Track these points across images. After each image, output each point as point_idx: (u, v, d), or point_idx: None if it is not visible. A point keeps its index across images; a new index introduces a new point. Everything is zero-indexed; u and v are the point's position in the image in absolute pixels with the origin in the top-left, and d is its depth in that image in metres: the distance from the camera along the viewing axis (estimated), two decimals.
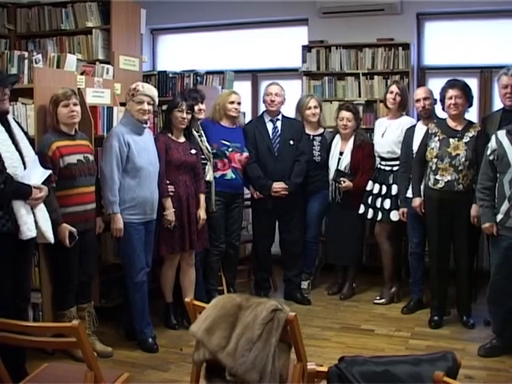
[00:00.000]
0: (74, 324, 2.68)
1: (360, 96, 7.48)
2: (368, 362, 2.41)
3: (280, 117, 6.23)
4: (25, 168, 4.10)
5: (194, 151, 5.45)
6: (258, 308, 2.67)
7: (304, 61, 7.70)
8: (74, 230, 4.59)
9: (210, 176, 5.66)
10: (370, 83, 7.45)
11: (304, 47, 7.74)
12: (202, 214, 5.44)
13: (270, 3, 7.92)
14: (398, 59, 7.34)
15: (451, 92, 5.35)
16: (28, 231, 4.03)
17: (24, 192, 4.03)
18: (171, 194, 5.25)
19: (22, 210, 4.01)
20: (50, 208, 4.32)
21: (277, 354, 2.63)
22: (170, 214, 5.21)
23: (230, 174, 5.85)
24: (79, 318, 4.75)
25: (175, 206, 5.25)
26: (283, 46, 8.23)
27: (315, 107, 6.40)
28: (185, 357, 4.88)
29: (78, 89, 5.04)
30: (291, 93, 6.77)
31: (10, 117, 4.23)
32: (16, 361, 3.98)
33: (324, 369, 2.43)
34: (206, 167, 5.65)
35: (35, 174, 4.15)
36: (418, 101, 5.88)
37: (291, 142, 6.14)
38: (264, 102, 6.24)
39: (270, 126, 6.17)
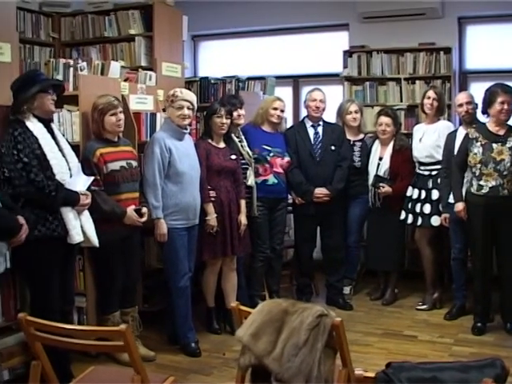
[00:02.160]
0: (121, 328, 2.72)
1: (401, 101, 7.46)
2: (416, 368, 2.40)
3: (321, 122, 6.22)
4: (70, 175, 4.21)
5: (233, 156, 5.47)
6: (305, 313, 2.68)
7: (345, 66, 7.72)
8: (140, 207, 4.81)
9: (251, 181, 5.67)
10: (412, 88, 7.43)
11: (345, 52, 7.77)
12: (242, 219, 5.46)
13: (311, 9, 7.94)
14: (439, 63, 7.31)
15: (504, 97, 5.24)
16: (77, 235, 4.18)
17: (73, 199, 4.18)
18: (213, 199, 5.28)
19: (70, 215, 4.16)
20: (107, 206, 4.52)
21: (322, 359, 2.62)
22: (213, 219, 5.23)
23: (271, 180, 5.85)
24: (123, 322, 4.80)
25: (217, 212, 5.27)
26: (324, 51, 8.24)
27: (356, 112, 6.39)
28: (227, 361, 4.91)
29: (122, 95, 5.10)
30: (332, 98, 6.76)
31: (53, 124, 4.35)
32: (61, 363, 4.06)
33: (371, 374, 2.43)
34: (247, 172, 5.66)
35: (80, 181, 4.28)
36: (460, 105, 5.82)
37: (332, 148, 6.12)
38: (307, 107, 6.23)
39: (311, 131, 6.17)
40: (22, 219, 3.77)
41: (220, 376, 4.71)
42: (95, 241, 4.36)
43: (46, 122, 4.25)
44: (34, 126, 4.14)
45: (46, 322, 2.94)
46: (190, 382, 4.60)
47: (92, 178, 4.42)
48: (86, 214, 4.32)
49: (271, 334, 2.68)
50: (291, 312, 2.72)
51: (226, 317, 5.58)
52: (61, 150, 4.25)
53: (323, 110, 6.18)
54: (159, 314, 5.54)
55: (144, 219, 4.81)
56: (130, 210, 4.72)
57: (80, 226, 4.23)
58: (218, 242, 5.30)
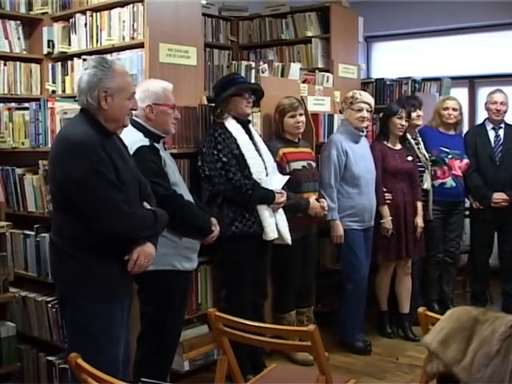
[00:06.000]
0: (309, 329, 2.75)
1: None
2: None
3: (503, 125, 6.02)
4: (267, 174, 4.33)
5: (410, 158, 5.40)
6: (496, 322, 2.60)
7: None
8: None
9: (427, 184, 5.59)
10: None
11: None
12: (419, 222, 5.38)
13: (487, 7, 7.69)
14: None
15: None
16: (271, 232, 4.31)
17: (268, 197, 4.30)
18: (388, 201, 5.25)
19: (265, 213, 4.29)
20: (292, 200, 4.56)
21: None
22: (388, 221, 5.19)
23: (449, 183, 5.74)
24: (298, 321, 4.89)
25: (392, 214, 5.23)
26: (502, 50, 7.95)
27: None
28: (401, 366, 4.87)
29: (301, 97, 5.17)
30: None
31: (250, 125, 4.49)
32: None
33: None
34: (424, 175, 5.58)
35: (276, 180, 4.40)
36: None
37: None
38: (487, 109, 6.04)
39: (491, 134, 5.98)
40: (214, 221, 3.91)
41: (393, 380, 4.66)
42: (288, 238, 4.45)
43: (244, 123, 4.42)
44: (233, 126, 4.33)
45: (235, 319, 3.02)
46: None
47: (287, 177, 4.52)
48: (281, 212, 4.44)
49: (461, 342, 2.62)
50: (482, 320, 2.65)
51: (399, 321, 5.52)
52: (258, 149, 4.40)
53: (505, 112, 5.97)
54: (331, 315, 5.54)
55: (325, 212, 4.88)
56: (313, 199, 4.79)
57: (275, 224, 4.35)
58: (392, 245, 5.26)
